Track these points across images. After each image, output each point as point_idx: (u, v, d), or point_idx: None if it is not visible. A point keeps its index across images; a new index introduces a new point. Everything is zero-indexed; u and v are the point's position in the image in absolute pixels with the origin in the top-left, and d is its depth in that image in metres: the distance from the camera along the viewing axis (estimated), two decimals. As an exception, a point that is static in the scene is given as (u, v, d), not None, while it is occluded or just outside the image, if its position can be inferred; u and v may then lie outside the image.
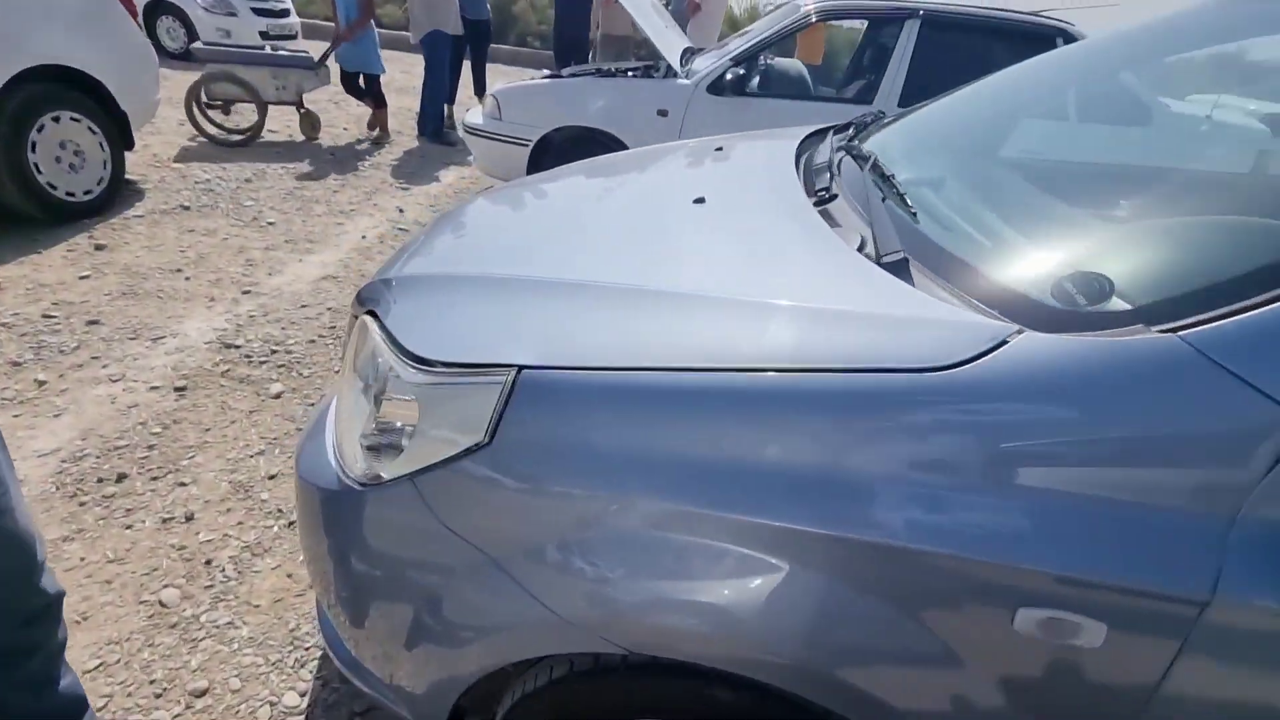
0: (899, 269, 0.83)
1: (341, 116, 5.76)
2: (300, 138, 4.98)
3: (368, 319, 1.05)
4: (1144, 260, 0.81)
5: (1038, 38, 3.28)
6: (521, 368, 0.79)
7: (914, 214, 0.97)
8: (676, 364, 0.75)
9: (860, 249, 0.92)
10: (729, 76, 3.38)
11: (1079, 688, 0.65)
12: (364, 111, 5.49)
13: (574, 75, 4.12)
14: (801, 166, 1.31)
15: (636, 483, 0.72)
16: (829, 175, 1.22)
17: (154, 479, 1.81)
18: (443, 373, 0.84)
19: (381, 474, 0.87)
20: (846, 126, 1.78)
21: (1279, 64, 1.44)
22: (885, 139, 1.45)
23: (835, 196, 1.14)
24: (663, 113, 3.53)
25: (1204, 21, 1.46)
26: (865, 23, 4.13)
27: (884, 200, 1.02)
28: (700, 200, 1.15)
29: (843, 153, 1.33)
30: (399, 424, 0.90)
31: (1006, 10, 3.37)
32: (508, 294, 0.95)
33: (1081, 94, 1.52)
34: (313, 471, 0.98)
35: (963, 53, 3.35)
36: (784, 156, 1.41)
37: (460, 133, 5.23)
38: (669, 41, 3.71)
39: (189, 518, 1.69)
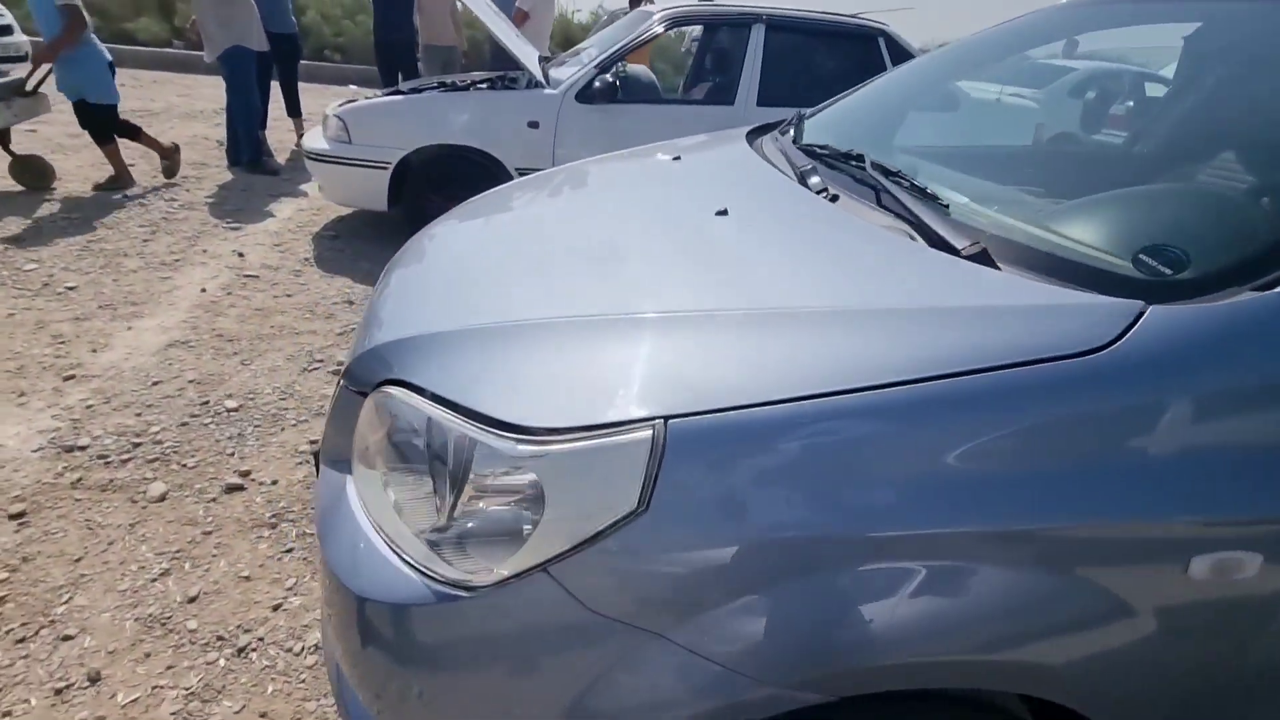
0: (982, 259, 0.87)
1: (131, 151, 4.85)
2: (85, 188, 4.10)
3: (398, 391, 0.88)
4: (1205, 227, 0.92)
5: (863, 37, 3.67)
6: (667, 418, 0.70)
7: (945, 206, 1.02)
8: (827, 388, 0.71)
9: (928, 243, 0.94)
10: (597, 85, 3.36)
11: (1237, 618, 0.73)
12: (162, 144, 4.62)
13: (416, 91, 3.84)
14: (790, 170, 1.32)
15: (824, 517, 0.68)
16: (818, 177, 1.25)
17: (20, 641, 1.38)
18: (566, 440, 0.72)
19: (498, 569, 0.73)
20: (771, 127, 1.85)
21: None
22: (844, 136, 1.51)
23: (837, 197, 1.17)
24: (534, 124, 3.41)
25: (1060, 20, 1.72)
26: (700, 29, 4.34)
27: (905, 195, 1.06)
28: (723, 212, 1.12)
29: (815, 153, 1.37)
30: (493, 507, 0.77)
31: (833, 13, 3.72)
32: (596, 337, 0.85)
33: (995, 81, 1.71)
34: (379, 587, 0.80)
35: (804, 53, 3.65)
36: (756, 160, 1.42)
37: (281, 159, 4.68)
38: (526, 51, 3.60)
39: (94, 679, 1.32)
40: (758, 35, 3.51)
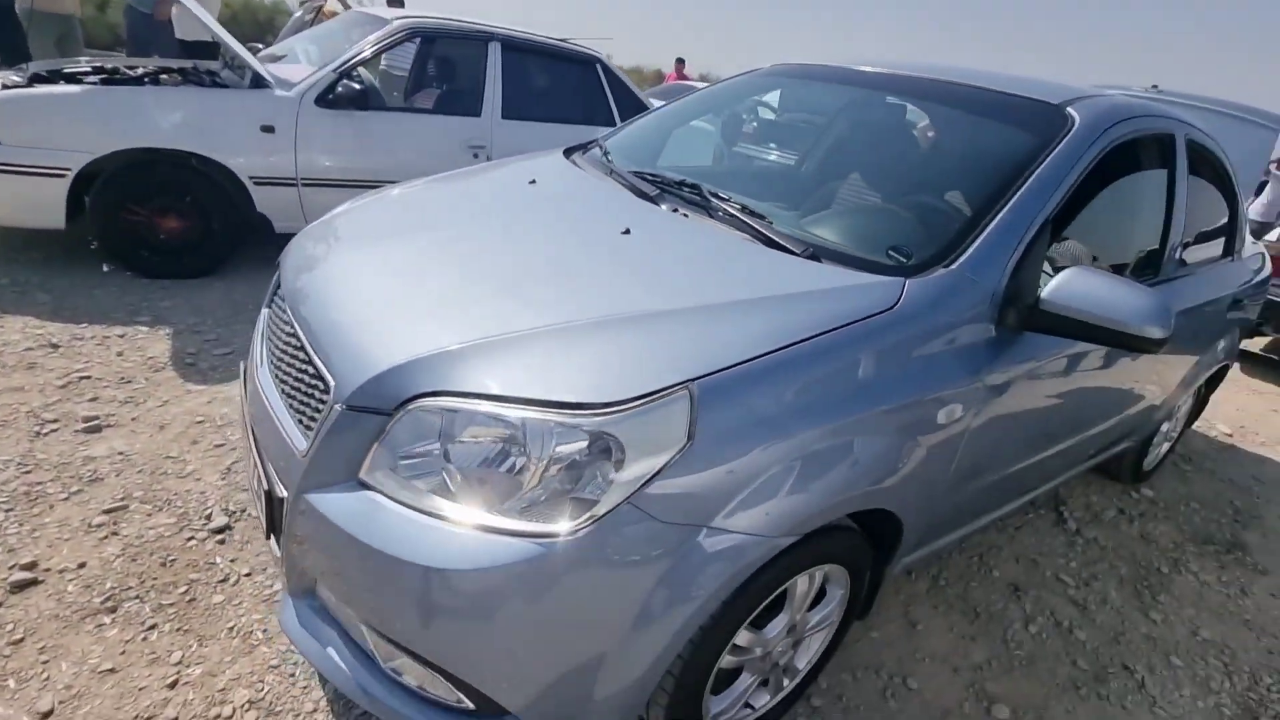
0: (814, 258, 1.38)
1: None
2: None
3: (449, 400, 1.03)
4: (913, 234, 1.55)
5: (583, 61, 4.17)
6: (695, 379, 1.03)
7: (770, 222, 1.52)
8: (765, 349, 1.12)
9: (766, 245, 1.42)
10: (341, 90, 3.20)
11: (957, 441, 1.37)
12: None
13: (74, 79, 3.11)
14: (643, 194, 1.69)
15: (797, 421, 1.10)
16: (666, 197, 1.65)
17: None
18: (632, 406, 0.99)
19: (592, 511, 0.97)
20: (579, 149, 2.20)
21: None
22: (653, 160, 1.93)
23: (687, 215, 1.59)
24: (268, 129, 3.10)
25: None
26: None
27: (733, 214, 1.53)
28: (627, 231, 1.44)
29: (652, 179, 1.77)
30: (567, 470, 1.00)
31: (550, 38, 4.12)
32: (596, 335, 1.11)
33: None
34: (496, 553, 0.96)
35: (536, 72, 4.01)
36: (611, 185, 1.76)
37: None
38: (241, 47, 3.21)
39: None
40: (495, 52, 3.74)
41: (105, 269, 3.12)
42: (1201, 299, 2.33)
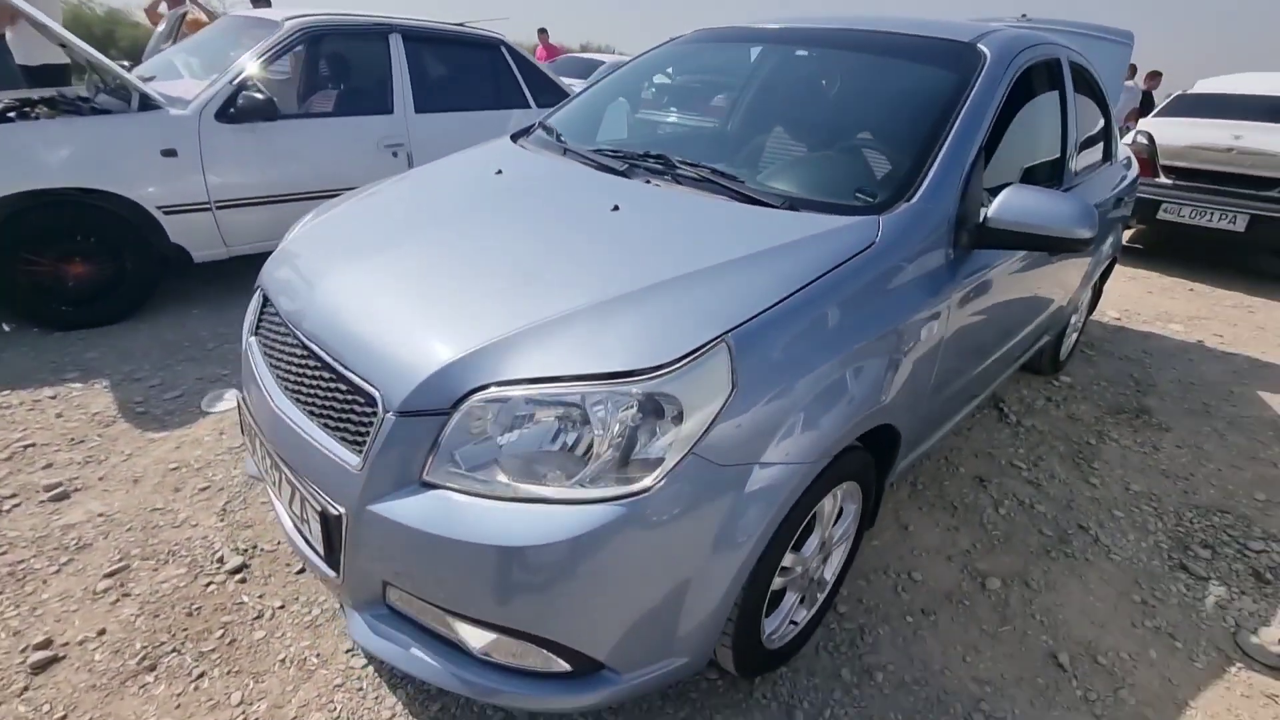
0: (792, 208, 1.49)
1: None
2: None
3: (501, 390, 1.08)
4: (871, 175, 1.68)
5: (487, 45, 4.08)
6: (729, 330, 1.13)
7: (743, 181, 1.62)
8: (780, 295, 1.23)
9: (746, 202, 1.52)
10: (242, 102, 3.00)
11: (934, 351, 1.54)
12: None
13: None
14: (612, 169, 1.74)
15: (815, 356, 1.21)
16: (636, 171, 1.72)
17: None
18: (680, 366, 1.08)
19: (663, 467, 1.06)
20: (525, 132, 2.22)
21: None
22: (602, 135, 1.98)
23: (658, 185, 1.67)
24: (170, 152, 2.88)
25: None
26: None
27: (706, 178, 1.62)
28: (616, 208, 1.50)
29: (616, 154, 1.82)
30: (629, 433, 1.08)
31: (449, 23, 4.00)
32: (625, 307, 1.18)
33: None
34: (583, 521, 1.03)
35: (441, 60, 3.89)
36: (578, 167, 1.80)
37: None
38: (118, 66, 2.94)
39: None
40: (398, 44, 3.60)
41: (5, 329, 2.84)
42: (1097, 199, 2.64)
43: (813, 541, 1.46)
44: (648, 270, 1.28)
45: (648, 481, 1.06)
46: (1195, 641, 1.74)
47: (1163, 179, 5.32)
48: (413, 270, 1.36)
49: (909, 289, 1.45)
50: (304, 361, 1.31)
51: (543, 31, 10.79)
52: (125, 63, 3.79)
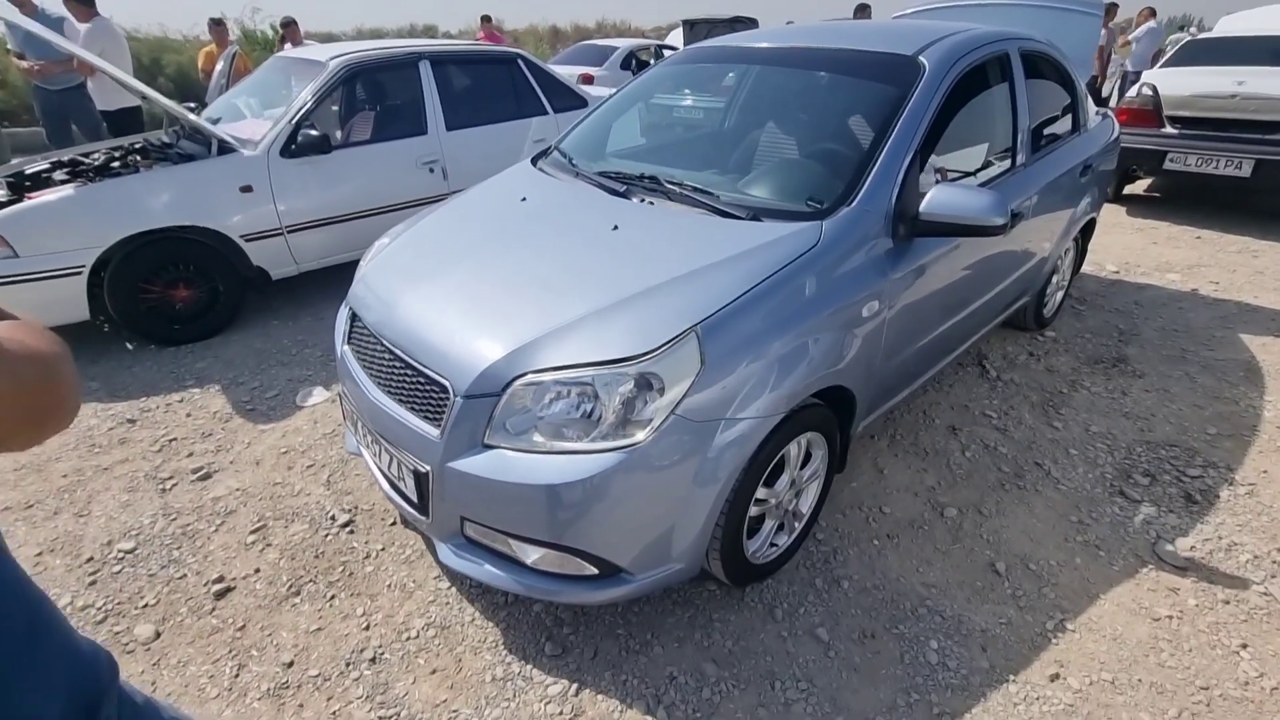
0: (756, 218, 1.88)
1: None
2: None
3: (536, 375, 1.51)
4: (821, 183, 2.05)
5: (505, 60, 4.48)
6: (698, 324, 1.54)
7: (717, 196, 2.01)
8: (740, 291, 1.63)
9: (729, 217, 1.91)
10: (301, 139, 3.49)
11: (880, 327, 1.92)
12: None
13: (47, 180, 3.34)
14: (614, 192, 2.15)
15: (768, 336, 1.62)
16: (633, 191, 2.12)
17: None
18: (664, 350, 1.50)
19: (653, 424, 1.49)
20: (544, 154, 2.63)
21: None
22: (618, 162, 2.38)
23: (654, 202, 2.07)
24: (247, 189, 3.40)
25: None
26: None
27: (687, 194, 2.02)
28: (616, 228, 1.91)
29: (618, 177, 2.22)
30: (628, 401, 1.50)
31: (464, 44, 4.41)
32: (624, 309, 1.60)
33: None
34: (599, 464, 1.47)
35: (465, 80, 4.31)
36: (587, 189, 2.22)
37: None
38: (202, 120, 3.46)
39: None
40: (427, 70, 4.03)
41: (129, 347, 3.44)
42: (1058, 172, 2.91)
43: (783, 480, 1.87)
44: (639, 279, 1.70)
45: (641, 436, 1.49)
46: (1117, 551, 2.10)
47: (1168, 129, 5.40)
48: (464, 289, 1.81)
49: (851, 277, 1.83)
50: (391, 363, 1.78)
51: (486, 19, 10.51)
52: (192, 104, 4.34)
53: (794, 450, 1.87)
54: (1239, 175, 5.11)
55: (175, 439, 2.69)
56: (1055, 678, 1.69)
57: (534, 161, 2.65)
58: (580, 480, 1.48)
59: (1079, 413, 2.85)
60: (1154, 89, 5.43)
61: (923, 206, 1.91)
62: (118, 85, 4.70)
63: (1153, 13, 8.66)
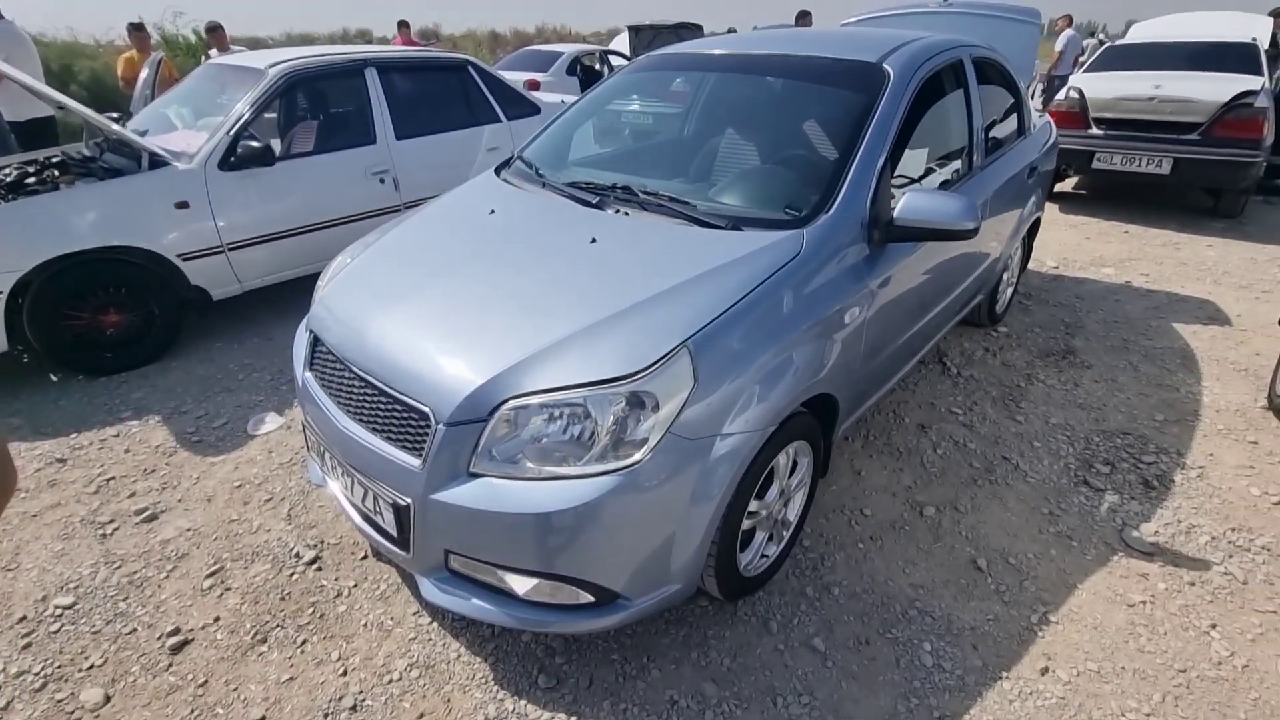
0: (736, 228, 1.85)
1: None
2: None
3: (523, 400, 1.45)
4: (799, 192, 2.04)
5: (455, 67, 4.35)
6: (688, 339, 1.50)
7: (695, 206, 1.98)
8: (727, 304, 1.60)
9: (710, 228, 1.88)
10: (241, 151, 3.29)
11: (857, 331, 1.93)
12: None
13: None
14: (586, 203, 2.09)
15: (759, 348, 1.59)
16: (606, 202, 2.07)
17: None
18: (656, 367, 1.45)
19: (649, 444, 1.44)
20: (506, 164, 2.55)
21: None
22: (582, 172, 2.33)
23: (628, 213, 2.02)
24: (183, 205, 3.18)
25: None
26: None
27: (663, 205, 1.98)
28: (594, 241, 1.86)
29: (588, 187, 2.17)
30: (622, 420, 1.45)
31: (411, 49, 4.27)
32: (612, 325, 1.55)
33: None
34: (594, 488, 1.41)
35: (414, 86, 4.16)
36: (560, 200, 2.15)
37: None
38: (128, 132, 3.21)
39: None
40: (373, 77, 3.87)
41: (54, 379, 3.16)
42: (1008, 174, 3.02)
43: (773, 491, 1.86)
44: (623, 295, 1.65)
45: (637, 456, 1.44)
46: (1088, 540, 2.17)
47: (1095, 130, 5.72)
48: (439, 310, 1.73)
49: (832, 284, 1.83)
50: (362, 389, 1.67)
51: (403, 24, 10.15)
52: (115, 114, 4.04)
53: (783, 460, 1.85)
54: (1160, 173, 5.45)
55: (113, 478, 2.48)
56: (1045, 671, 1.73)
57: (497, 172, 2.57)
58: (575, 507, 1.42)
59: (1037, 405, 2.96)
60: (1080, 92, 5.74)
61: (897, 212, 1.93)
62: (26, 94, 4.34)
63: (1070, 20, 9.17)
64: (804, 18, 8.83)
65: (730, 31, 11.35)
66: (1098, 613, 1.91)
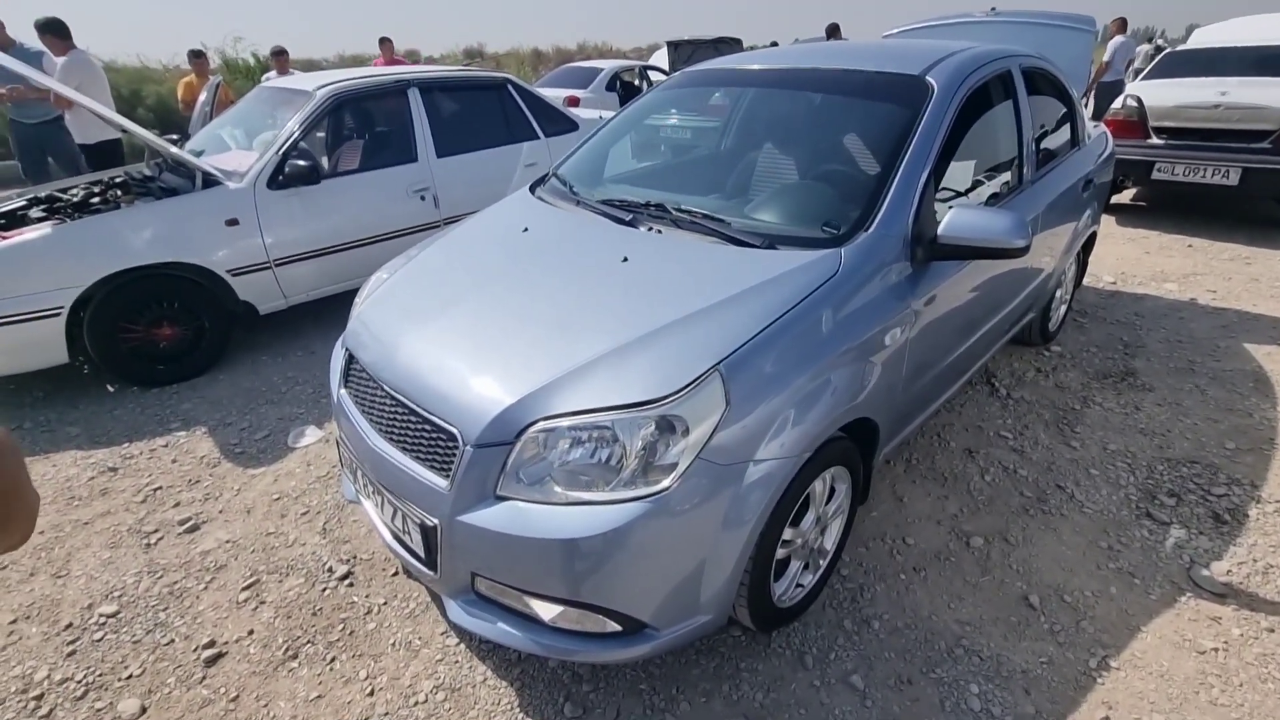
0: (771, 246, 1.80)
1: None
2: None
3: (550, 422, 1.42)
4: (836, 209, 1.99)
5: (495, 86, 4.43)
6: (720, 362, 1.46)
7: (729, 224, 1.94)
8: (763, 324, 1.55)
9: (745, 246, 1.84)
10: (289, 170, 3.40)
11: (902, 351, 1.85)
12: None
13: (23, 218, 3.23)
14: (619, 220, 2.07)
15: (793, 371, 1.54)
16: (640, 220, 2.04)
17: None
18: (687, 391, 1.41)
19: (678, 470, 1.39)
20: (540, 182, 2.56)
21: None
22: (614, 190, 2.31)
23: (661, 230, 1.99)
24: (233, 222, 3.29)
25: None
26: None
27: (697, 222, 1.95)
28: (625, 259, 1.83)
29: (623, 205, 2.15)
30: (651, 444, 1.41)
31: (459, 69, 4.35)
32: (640, 347, 1.51)
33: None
34: (623, 514, 1.37)
35: (455, 105, 4.25)
36: (592, 218, 2.14)
37: None
38: (187, 155, 3.36)
39: None
40: (415, 97, 3.97)
41: (111, 389, 3.29)
42: (1062, 188, 2.89)
43: (809, 518, 1.78)
44: (654, 315, 1.61)
45: (666, 482, 1.40)
46: (1153, 578, 2.03)
47: (1154, 139, 5.46)
48: (469, 329, 1.72)
49: (872, 305, 1.76)
50: (393, 408, 1.68)
51: (385, 41, 9.39)
52: (174, 136, 4.23)
53: (819, 486, 1.78)
54: (1227, 183, 5.16)
55: (160, 488, 2.56)
56: (1106, 722, 1.60)
57: (532, 189, 2.58)
58: (602, 533, 1.38)
59: (1094, 430, 2.80)
60: (1139, 100, 5.49)
61: (941, 229, 1.85)
62: (96, 118, 4.60)
63: (1123, 25, 8.82)
64: (834, 31, 8.75)
65: (773, 45, 11.32)
66: (1164, 659, 1.76)
